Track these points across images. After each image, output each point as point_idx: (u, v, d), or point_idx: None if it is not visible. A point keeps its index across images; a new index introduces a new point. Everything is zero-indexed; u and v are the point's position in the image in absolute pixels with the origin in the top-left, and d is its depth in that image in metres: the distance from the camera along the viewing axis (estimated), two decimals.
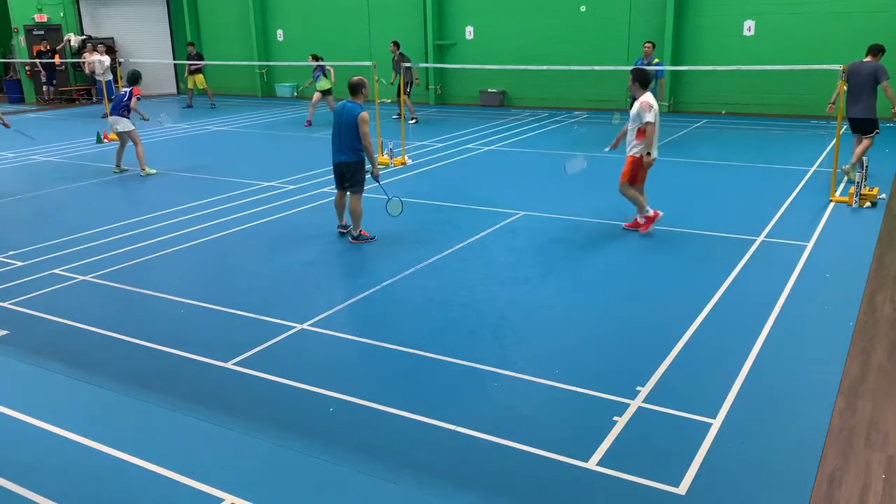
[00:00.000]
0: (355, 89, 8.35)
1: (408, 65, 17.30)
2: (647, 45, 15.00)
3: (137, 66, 25.71)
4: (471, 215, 9.63)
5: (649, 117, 8.23)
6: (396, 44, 18.72)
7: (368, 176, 8.57)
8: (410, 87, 18.31)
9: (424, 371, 5.45)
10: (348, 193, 8.57)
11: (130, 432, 4.69)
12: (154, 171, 12.86)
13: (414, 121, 18.33)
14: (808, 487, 4.01)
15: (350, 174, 8.40)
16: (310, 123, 18.42)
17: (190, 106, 22.87)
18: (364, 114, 8.20)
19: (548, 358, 5.64)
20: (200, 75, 22.57)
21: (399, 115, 16.00)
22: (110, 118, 12.89)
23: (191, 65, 22.32)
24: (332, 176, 8.78)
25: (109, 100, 17.41)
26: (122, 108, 12.57)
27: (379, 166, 12.65)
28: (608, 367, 5.44)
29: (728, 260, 7.61)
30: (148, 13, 27.10)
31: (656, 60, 14.76)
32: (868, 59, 10.73)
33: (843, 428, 4.59)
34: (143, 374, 5.46)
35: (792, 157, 12.95)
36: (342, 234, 8.80)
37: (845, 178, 10.89)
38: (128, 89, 12.69)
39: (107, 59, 21.03)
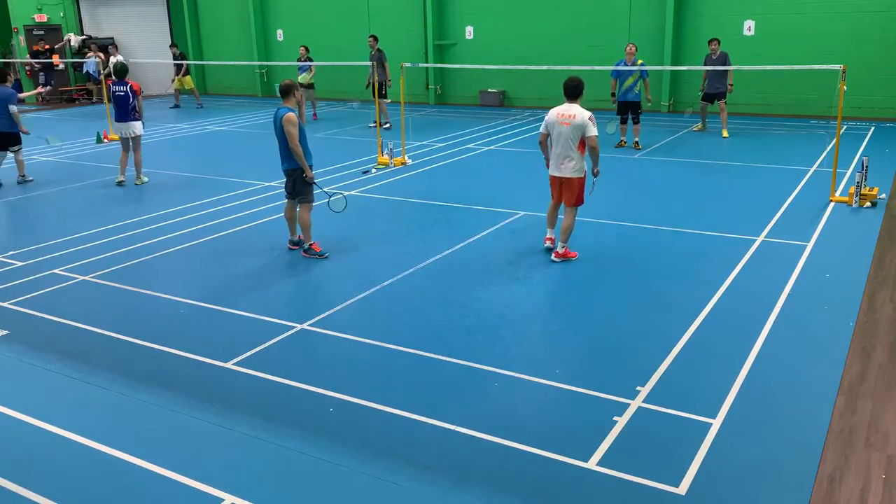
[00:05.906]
0: (285, 93, 7.90)
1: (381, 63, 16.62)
2: None
3: (137, 66, 25.96)
4: (471, 215, 9.63)
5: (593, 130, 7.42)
6: (375, 38, 17.52)
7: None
8: (385, 89, 17.16)
9: (424, 371, 5.45)
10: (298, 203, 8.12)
11: (130, 432, 4.69)
12: (147, 179, 12.16)
13: (388, 126, 17.24)
14: (808, 487, 4.01)
15: (293, 181, 8.00)
16: (315, 117, 19.83)
17: (177, 106, 23.04)
18: (289, 115, 7.72)
19: (548, 358, 5.65)
20: (188, 76, 22.80)
21: (375, 122, 15.59)
22: (122, 125, 11.79)
23: (177, 66, 22.61)
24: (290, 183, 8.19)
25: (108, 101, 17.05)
26: (132, 111, 11.72)
27: (379, 166, 12.80)
28: (608, 367, 5.44)
29: (728, 260, 7.61)
30: (148, 13, 27.11)
31: None
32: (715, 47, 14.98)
33: (843, 428, 4.58)
34: (143, 374, 5.46)
35: (792, 157, 12.95)
36: (291, 249, 8.30)
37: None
38: (125, 88, 11.69)
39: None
